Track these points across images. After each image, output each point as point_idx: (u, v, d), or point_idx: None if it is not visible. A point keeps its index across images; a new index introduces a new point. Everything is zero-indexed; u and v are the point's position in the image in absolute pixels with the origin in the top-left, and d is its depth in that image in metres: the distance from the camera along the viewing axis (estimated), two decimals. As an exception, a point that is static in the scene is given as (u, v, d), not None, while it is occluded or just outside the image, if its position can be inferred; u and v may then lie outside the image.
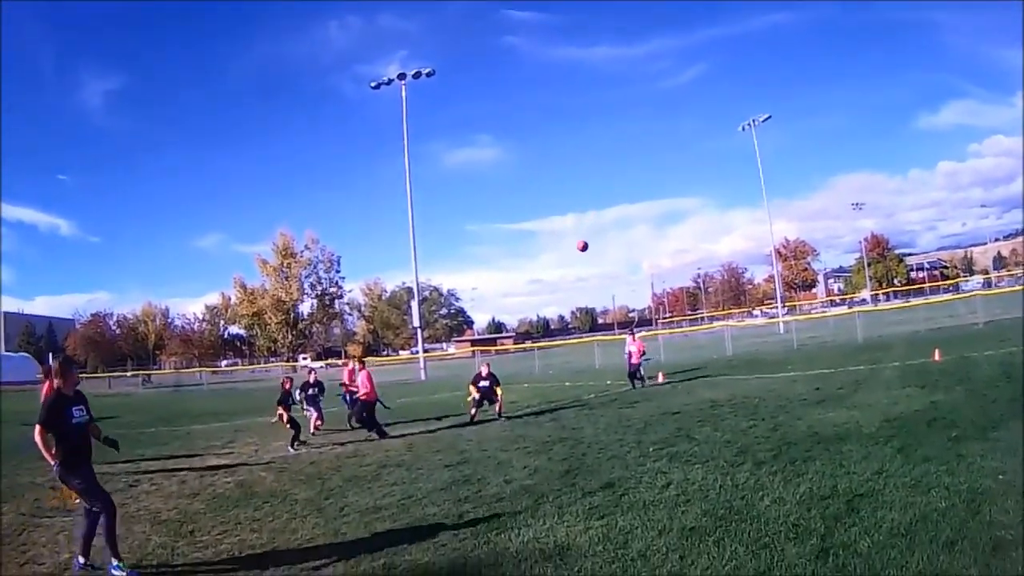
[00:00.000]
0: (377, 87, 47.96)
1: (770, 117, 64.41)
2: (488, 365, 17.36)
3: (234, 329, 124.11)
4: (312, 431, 16.69)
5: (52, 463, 6.28)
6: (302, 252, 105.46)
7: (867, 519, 5.88)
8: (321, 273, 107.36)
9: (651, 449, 10.32)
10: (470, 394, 16.74)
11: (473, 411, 16.46)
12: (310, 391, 17.15)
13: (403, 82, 47.10)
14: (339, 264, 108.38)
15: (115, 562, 6.30)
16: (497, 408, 16.53)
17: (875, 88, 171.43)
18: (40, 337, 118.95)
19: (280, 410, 15.23)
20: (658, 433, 11.81)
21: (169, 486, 11.04)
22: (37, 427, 6.23)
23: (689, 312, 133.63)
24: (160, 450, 15.50)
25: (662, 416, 13.97)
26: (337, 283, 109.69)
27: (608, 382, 23.37)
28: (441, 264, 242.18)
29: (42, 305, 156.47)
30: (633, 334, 26.86)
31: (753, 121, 63.56)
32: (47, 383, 13.69)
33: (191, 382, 61.30)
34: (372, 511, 8.19)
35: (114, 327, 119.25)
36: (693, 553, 5.50)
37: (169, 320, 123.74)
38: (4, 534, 8.27)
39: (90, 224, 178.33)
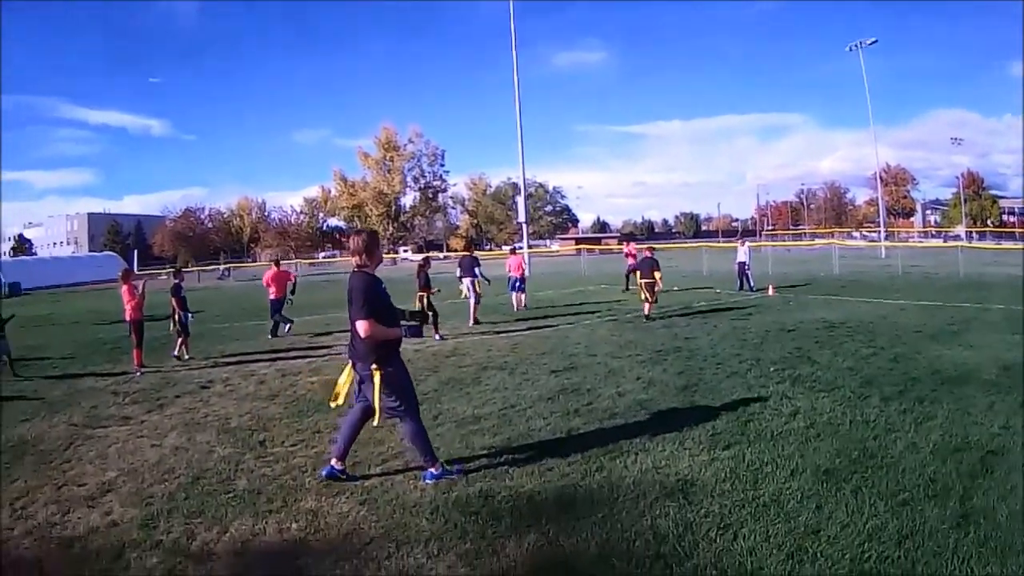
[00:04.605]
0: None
1: (876, 41, 62.63)
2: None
3: (333, 221, 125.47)
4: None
5: (402, 329, 5.82)
6: (405, 146, 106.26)
7: (1001, 483, 5.16)
8: (424, 166, 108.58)
9: (772, 369, 9.84)
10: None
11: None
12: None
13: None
14: (443, 158, 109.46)
15: (433, 470, 5.73)
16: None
17: (976, 28, 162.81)
18: (127, 235, 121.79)
19: (421, 293, 14.82)
20: (776, 352, 11.32)
21: (245, 387, 10.42)
22: (364, 323, 5.37)
23: (792, 227, 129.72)
24: (241, 346, 15.05)
25: (779, 332, 13.50)
26: (441, 176, 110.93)
27: (718, 290, 22.78)
28: (547, 162, 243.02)
29: (132, 204, 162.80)
30: (743, 242, 26.27)
31: (860, 43, 61.84)
32: (126, 284, 12.94)
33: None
34: (470, 421, 7.62)
35: (206, 221, 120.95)
36: (831, 502, 4.91)
37: (266, 213, 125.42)
38: (48, 449, 7.41)
39: (185, 123, 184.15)
